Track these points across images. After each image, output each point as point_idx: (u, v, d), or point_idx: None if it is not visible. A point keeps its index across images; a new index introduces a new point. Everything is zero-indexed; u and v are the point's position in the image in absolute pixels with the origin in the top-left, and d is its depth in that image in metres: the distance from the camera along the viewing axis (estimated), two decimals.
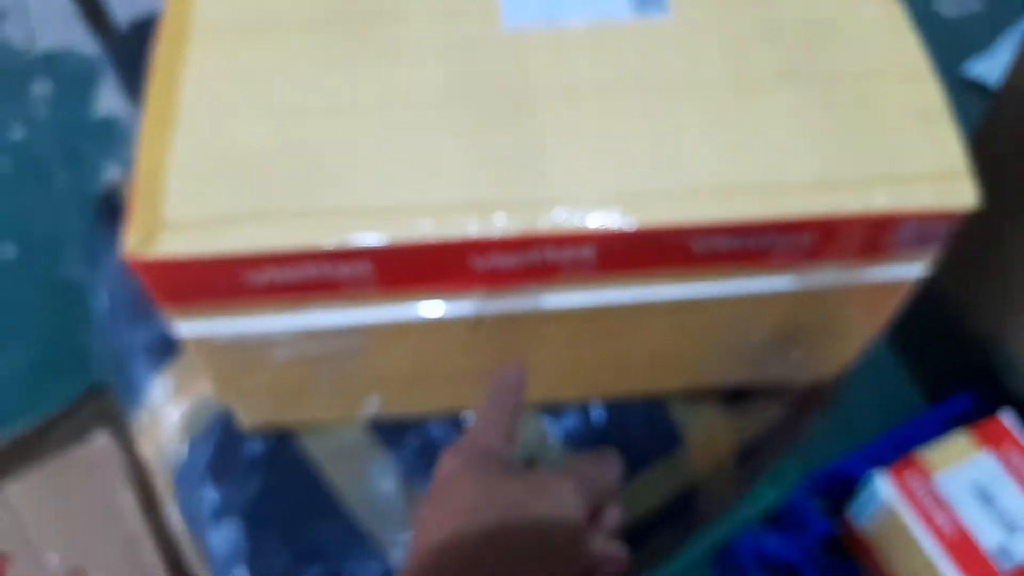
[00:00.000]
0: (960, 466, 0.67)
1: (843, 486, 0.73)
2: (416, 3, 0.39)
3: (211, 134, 0.36)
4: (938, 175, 0.36)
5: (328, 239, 0.33)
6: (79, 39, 1.26)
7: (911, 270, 0.40)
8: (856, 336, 0.46)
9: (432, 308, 0.38)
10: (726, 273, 0.38)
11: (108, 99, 1.20)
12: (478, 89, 0.37)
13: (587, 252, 0.35)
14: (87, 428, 0.67)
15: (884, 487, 0.65)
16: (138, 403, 0.54)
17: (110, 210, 0.62)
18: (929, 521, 0.64)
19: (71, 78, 1.23)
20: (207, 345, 0.38)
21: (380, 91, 0.37)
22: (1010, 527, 0.64)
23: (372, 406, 0.47)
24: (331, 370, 0.42)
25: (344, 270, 0.35)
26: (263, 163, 0.35)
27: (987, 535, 0.63)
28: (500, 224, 0.34)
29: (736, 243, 0.36)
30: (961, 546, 0.63)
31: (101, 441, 0.64)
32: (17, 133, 1.17)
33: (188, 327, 0.37)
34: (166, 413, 0.52)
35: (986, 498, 0.65)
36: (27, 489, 0.62)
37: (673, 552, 0.70)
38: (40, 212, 1.08)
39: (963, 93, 1.19)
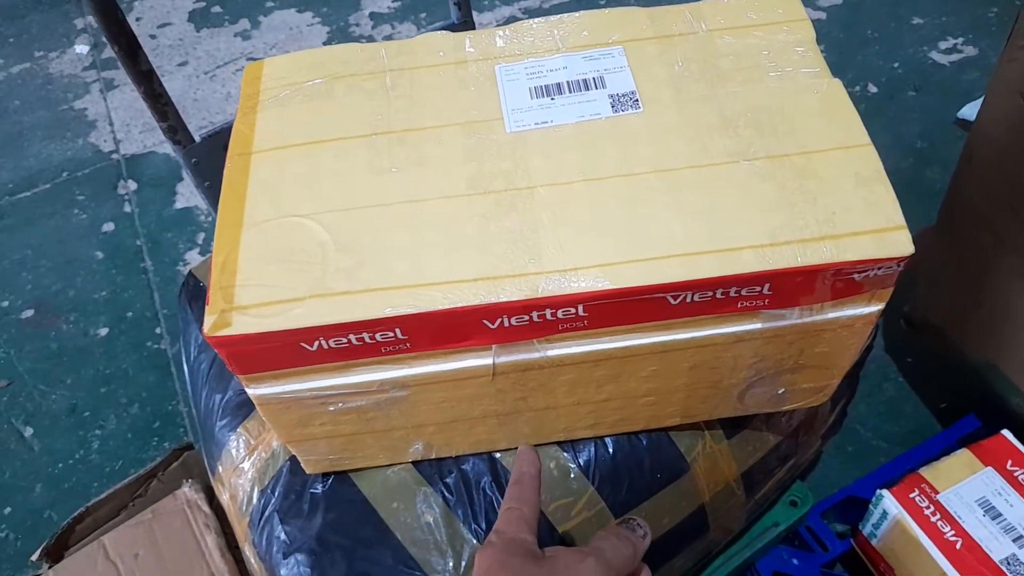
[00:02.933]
0: (965, 482, 0.71)
1: (858, 508, 0.77)
2: (437, 118, 0.48)
3: (272, 234, 0.45)
4: (876, 229, 0.43)
5: (367, 314, 0.41)
6: (158, 142, 1.41)
7: (868, 310, 0.46)
8: (830, 369, 0.52)
9: (456, 363, 0.46)
10: (701, 320, 0.45)
11: (186, 194, 1.34)
12: (487, 185, 0.45)
13: (578, 311, 0.43)
14: (174, 483, 0.76)
15: (892, 504, 0.70)
16: (219, 457, 0.63)
17: (192, 292, 0.72)
18: (938, 535, 0.68)
19: (153, 178, 1.37)
20: (273, 403, 0.47)
21: (409, 191, 0.45)
22: (1018, 539, 0.68)
23: (415, 450, 0.55)
24: (377, 419, 0.50)
25: (381, 336, 0.43)
26: (315, 254, 0.44)
27: (996, 546, 0.67)
28: (505, 294, 0.42)
29: (704, 296, 0.43)
30: (971, 557, 0.67)
31: (187, 493, 0.72)
32: (108, 226, 1.31)
33: (257, 390, 0.46)
34: (242, 465, 0.61)
35: (992, 511, 0.69)
36: (122, 538, 0.71)
37: (698, 574, 0.75)
38: (129, 294, 1.20)
39: (956, 136, 1.24)
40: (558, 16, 0.53)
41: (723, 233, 0.43)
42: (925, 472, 0.73)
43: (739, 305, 0.44)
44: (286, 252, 0.44)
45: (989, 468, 0.72)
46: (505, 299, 0.42)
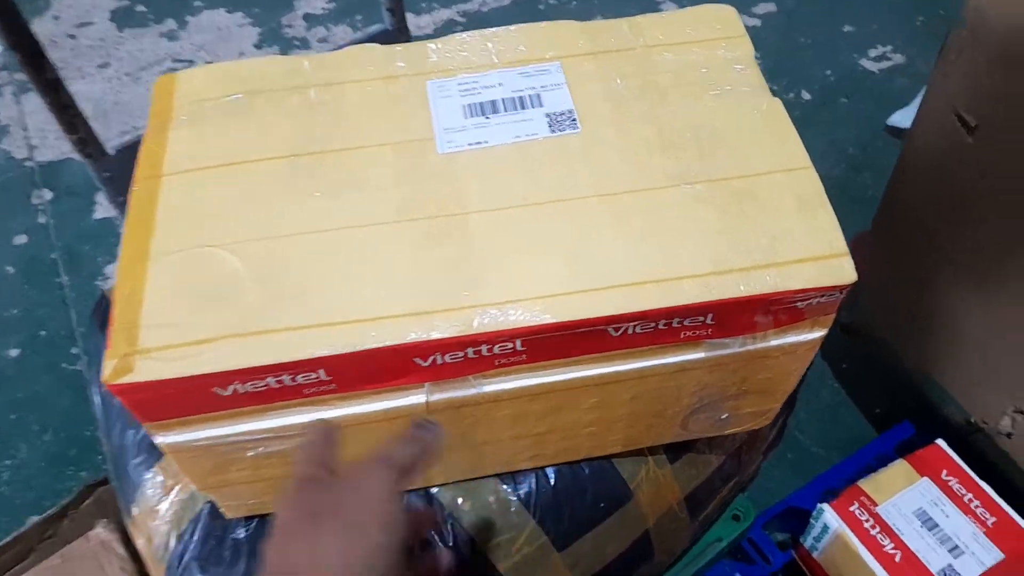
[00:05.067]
0: (902, 493, 0.72)
1: (798, 518, 0.77)
2: (365, 138, 0.45)
3: (181, 267, 0.41)
4: (818, 256, 0.42)
5: (287, 355, 0.38)
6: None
7: (810, 336, 0.45)
8: (773, 394, 0.51)
9: (386, 402, 0.43)
10: (643, 351, 0.43)
11: (105, 203, 1.26)
12: (419, 211, 0.43)
13: (516, 345, 0.40)
14: (87, 523, 0.70)
15: (832, 518, 0.70)
16: (134, 498, 0.58)
17: (105, 315, 0.67)
18: (877, 548, 0.68)
19: (70, 186, 1.29)
20: (185, 452, 0.43)
21: (334, 218, 0.42)
22: (953, 549, 0.68)
23: None
24: None
25: (304, 379, 0.39)
26: (228, 289, 0.40)
27: (933, 557, 0.68)
28: (437, 330, 0.39)
29: (646, 327, 0.41)
30: (910, 569, 0.67)
31: (101, 534, 0.67)
32: (20, 239, 1.23)
33: (166, 438, 0.42)
34: (158, 508, 0.56)
35: (929, 522, 0.70)
36: None
37: None
38: (43, 311, 1.13)
39: (887, 141, 1.27)
40: (493, 29, 0.50)
41: (665, 262, 0.41)
42: (864, 484, 0.73)
43: (682, 336, 0.43)
44: (197, 287, 0.40)
45: (925, 479, 0.72)
46: (438, 336, 0.39)
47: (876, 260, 0.83)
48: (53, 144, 1.37)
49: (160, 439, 0.42)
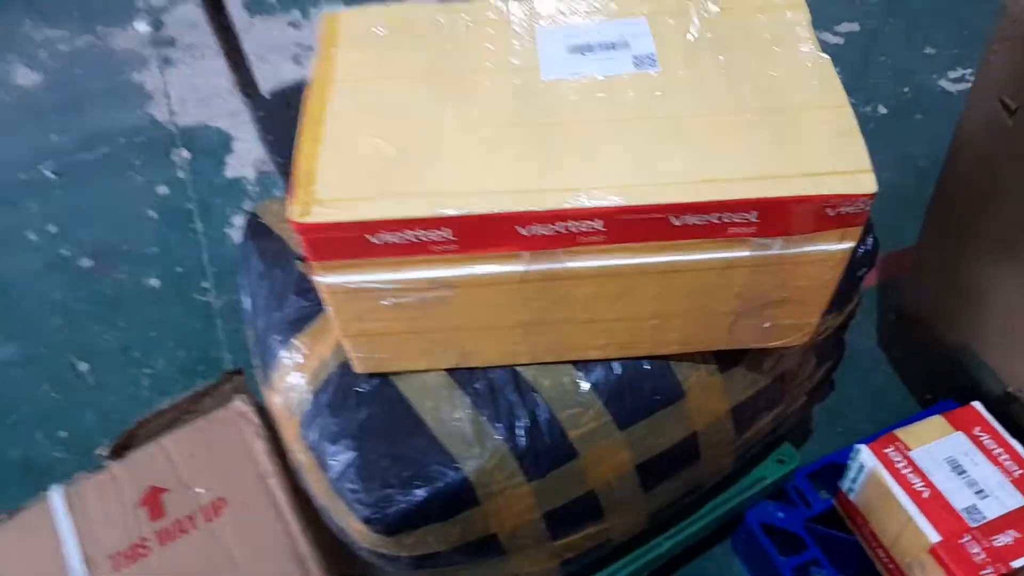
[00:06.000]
0: (936, 443, 0.79)
1: (838, 472, 0.85)
2: (485, 63, 0.58)
3: (347, 147, 0.54)
4: (846, 171, 0.52)
5: (424, 212, 0.51)
6: (211, 116, 1.53)
7: (840, 246, 0.55)
8: (809, 306, 0.60)
9: (494, 266, 0.55)
10: (698, 243, 0.54)
11: (235, 165, 1.45)
12: (527, 118, 0.55)
13: (597, 224, 0.52)
14: (226, 398, 0.85)
15: (868, 457, 0.78)
16: (274, 366, 0.72)
17: (253, 229, 0.82)
18: (908, 485, 0.76)
19: (205, 148, 1.49)
20: (340, 292, 0.56)
21: (465, 117, 0.55)
22: (979, 492, 0.75)
23: (450, 357, 0.64)
24: (421, 319, 0.59)
25: (435, 234, 0.52)
26: (382, 165, 0.53)
27: (959, 497, 0.75)
28: (535, 205, 0.51)
29: (701, 220, 0.52)
30: (936, 505, 0.74)
31: (239, 406, 0.81)
32: (162, 189, 1.42)
33: (327, 278, 0.55)
34: (295, 372, 0.69)
35: (959, 468, 0.77)
36: (179, 441, 0.80)
37: (689, 517, 0.83)
38: (181, 251, 1.31)
39: None
40: None
41: (720, 168, 0.52)
42: (899, 432, 0.80)
43: (729, 231, 0.53)
44: (358, 162, 0.53)
45: (959, 432, 0.79)
46: (535, 208, 0.51)
47: (927, 248, 0.91)
48: (192, 112, 1.57)
49: (323, 279, 0.55)
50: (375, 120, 0.56)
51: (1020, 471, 0.76)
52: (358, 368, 0.65)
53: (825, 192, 0.51)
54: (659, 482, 0.70)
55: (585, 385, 0.65)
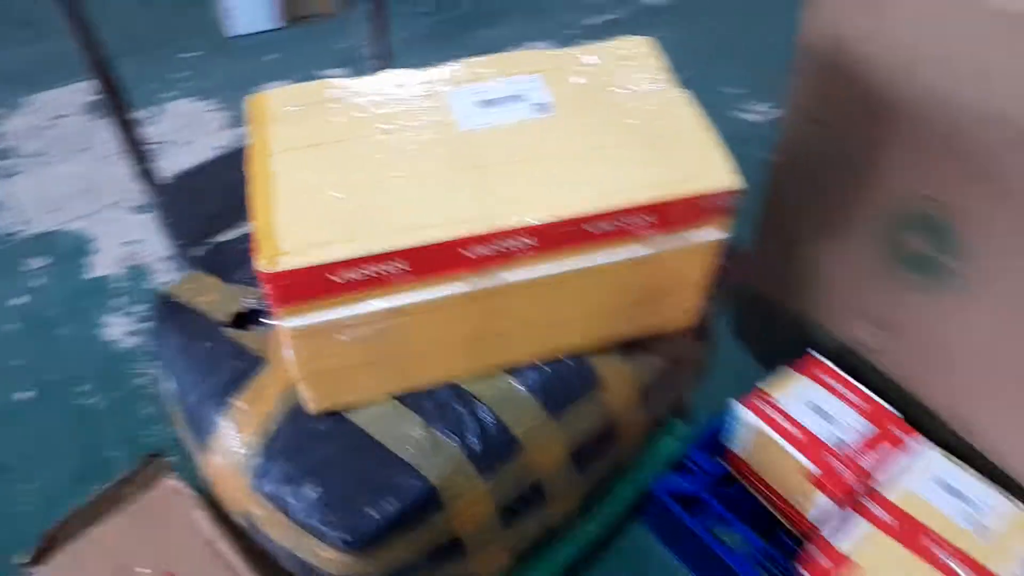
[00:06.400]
0: (792, 389, 0.94)
1: (721, 439, 0.99)
2: (407, 121, 0.67)
3: (299, 202, 0.61)
4: (717, 174, 0.65)
5: (379, 248, 0.59)
6: (66, 220, 1.49)
7: (716, 236, 0.69)
8: (691, 289, 0.73)
9: (444, 290, 0.63)
10: (609, 246, 0.65)
11: (98, 264, 1.44)
12: (455, 161, 0.64)
13: (529, 240, 0.62)
14: (151, 480, 0.85)
15: (745, 413, 0.92)
16: (212, 434, 0.74)
17: (168, 308, 0.84)
18: (784, 431, 0.90)
19: (63, 253, 1.46)
20: (301, 334, 0.62)
21: (398, 168, 0.64)
22: (837, 425, 0.91)
23: (400, 383, 0.71)
24: (376, 349, 0.66)
25: (391, 267, 0.60)
26: (334, 211, 0.60)
27: (826, 434, 0.90)
28: (474, 229, 0.60)
29: (610, 225, 0.63)
30: (812, 445, 0.89)
31: (169, 484, 0.82)
32: (20, 300, 1.37)
33: (291, 322, 0.61)
34: (238, 433, 0.73)
35: (818, 410, 0.92)
36: (112, 529, 0.80)
37: (608, 493, 0.93)
38: (49, 360, 1.27)
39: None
40: (488, 56, 0.74)
41: (619, 183, 0.64)
42: (761, 385, 0.95)
43: (632, 232, 0.65)
44: (312, 213, 0.61)
45: (805, 377, 0.96)
46: (478, 232, 0.60)
47: (764, 240, 1.09)
48: (45, 219, 1.53)
49: (287, 323, 0.61)
50: (319, 176, 0.63)
51: (865, 405, 0.93)
52: (313, 408, 0.70)
53: (705, 191, 0.64)
54: (590, 463, 0.80)
55: (521, 388, 0.74)
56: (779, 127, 1.00)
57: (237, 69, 1.96)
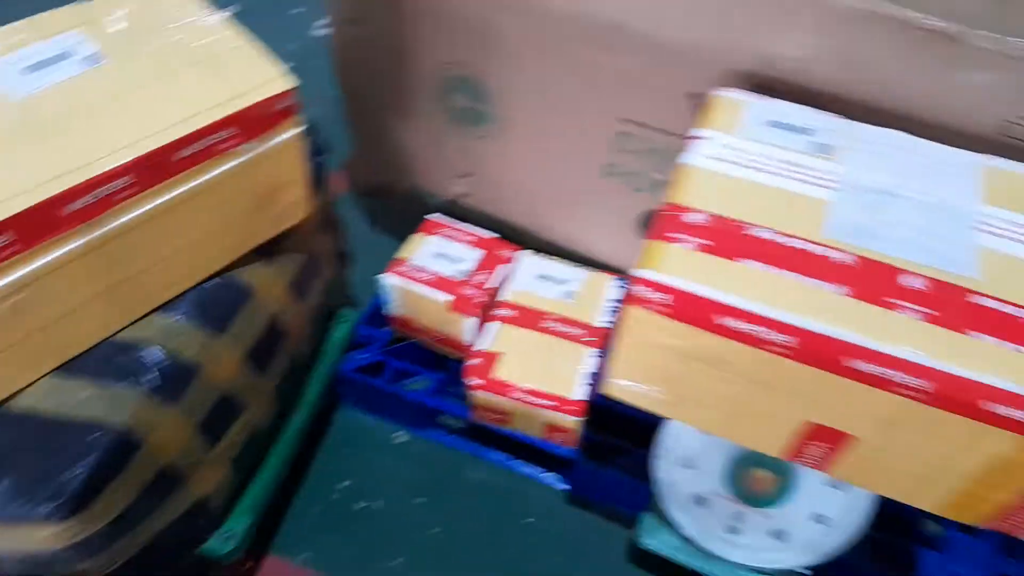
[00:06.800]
0: (419, 249, 1.12)
1: (383, 310, 1.15)
2: None
3: None
4: (276, 79, 0.76)
5: None
6: None
7: (294, 132, 0.80)
8: (295, 186, 0.85)
9: (58, 250, 0.67)
10: (205, 166, 0.74)
11: None
12: (25, 130, 0.67)
13: (126, 180, 0.68)
14: None
15: (389, 278, 1.08)
16: None
17: None
18: (417, 279, 1.07)
19: None
20: None
21: None
22: (457, 260, 1.11)
23: (53, 358, 0.74)
24: (9, 331, 0.68)
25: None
26: None
27: (449, 270, 1.09)
28: (70, 180, 0.65)
29: (195, 148, 0.72)
30: (442, 283, 1.07)
31: None
32: None
33: None
34: None
35: (443, 255, 1.11)
36: None
37: (304, 387, 1.05)
38: None
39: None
40: (23, 21, 0.75)
41: (185, 108, 0.72)
42: (396, 254, 1.12)
43: (220, 148, 0.74)
44: None
45: (427, 235, 1.15)
46: (72, 184, 0.65)
47: (359, 138, 1.24)
48: None
49: None
50: None
51: (475, 239, 1.14)
52: None
53: (269, 95, 0.75)
54: (269, 363, 0.91)
55: (179, 317, 0.81)
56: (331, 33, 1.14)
57: None
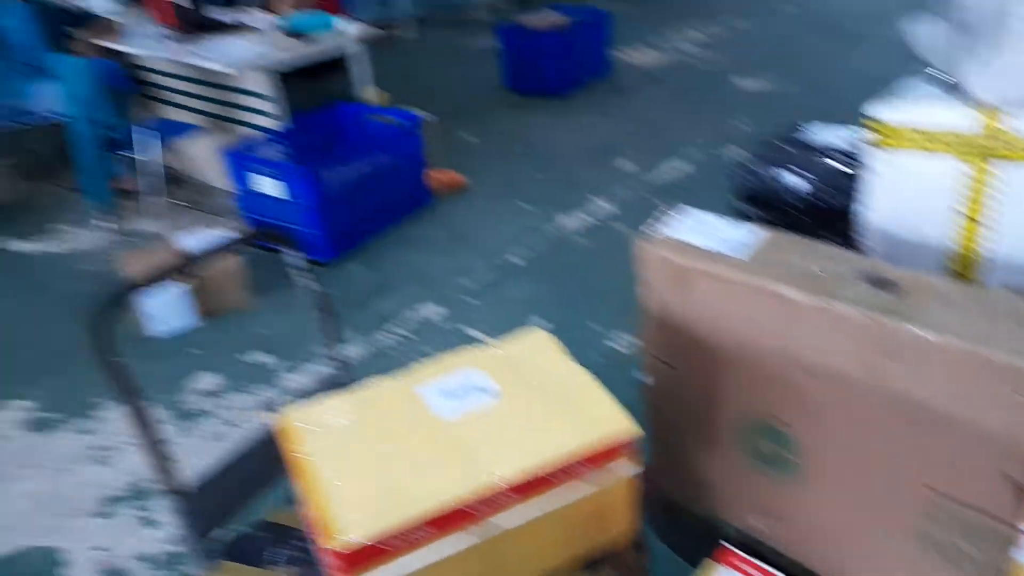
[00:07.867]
0: None
1: None
2: (395, 420, 0.92)
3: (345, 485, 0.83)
4: (622, 428, 0.93)
5: (417, 513, 0.81)
6: (30, 536, 1.58)
7: (631, 469, 0.95)
8: (621, 511, 0.98)
9: (455, 542, 0.85)
10: (572, 487, 0.90)
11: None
12: (438, 443, 0.89)
13: (510, 493, 0.86)
14: None
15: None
16: None
17: None
18: None
19: (31, 573, 1.52)
20: None
21: (401, 454, 0.87)
22: None
23: None
24: None
25: (420, 532, 0.81)
26: (373, 492, 0.82)
27: None
28: (471, 489, 0.84)
29: (559, 473, 0.89)
30: None
31: None
32: None
33: None
34: None
35: None
36: None
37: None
38: None
39: None
40: (439, 359, 1.01)
41: (553, 441, 0.90)
42: None
43: (576, 473, 0.90)
44: (357, 494, 0.82)
45: (723, 567, 1.19)
46: (475, 492, 0.84)
47: (658, 453, 1.38)
48: (6, 539, 1.58)
49: None
50: (353, 466, 0.87)
51: None
52: None
53: (617, 439, 0.92)
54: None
55: None
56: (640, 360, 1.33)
57: (163, 368, 2.14)
